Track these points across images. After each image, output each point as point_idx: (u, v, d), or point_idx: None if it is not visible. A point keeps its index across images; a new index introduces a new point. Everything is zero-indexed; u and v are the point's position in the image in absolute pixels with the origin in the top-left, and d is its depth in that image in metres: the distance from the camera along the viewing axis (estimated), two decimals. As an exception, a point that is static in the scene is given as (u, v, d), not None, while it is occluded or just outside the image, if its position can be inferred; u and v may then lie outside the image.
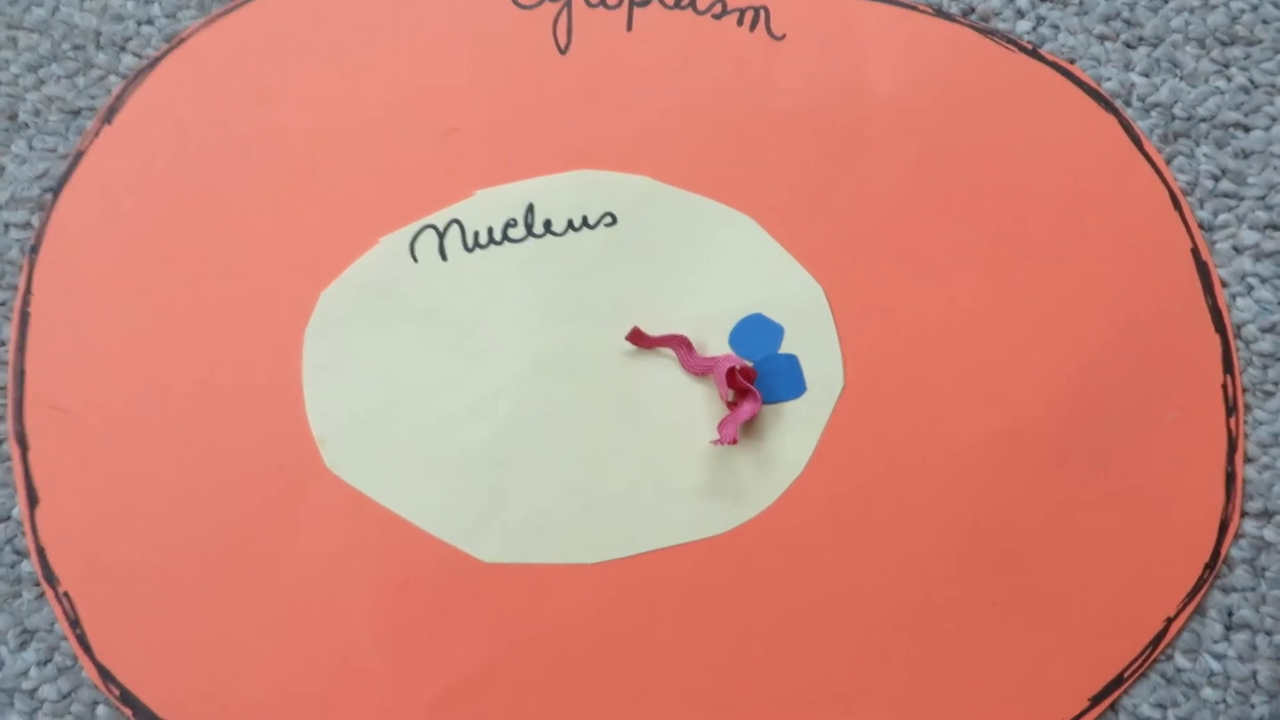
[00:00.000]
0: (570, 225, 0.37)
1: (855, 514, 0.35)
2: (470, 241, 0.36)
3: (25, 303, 0.35)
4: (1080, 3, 0.39)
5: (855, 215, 0.37)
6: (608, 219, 0.37)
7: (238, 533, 0.34)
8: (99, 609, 0.34)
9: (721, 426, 0.34)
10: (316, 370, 0.35)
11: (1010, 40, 0.38)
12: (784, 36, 0.38)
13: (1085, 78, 0.38)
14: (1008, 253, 0.37)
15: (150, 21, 0.38)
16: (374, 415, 0.35)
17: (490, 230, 0.36)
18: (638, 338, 0.35)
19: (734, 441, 0.34)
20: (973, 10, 0.39)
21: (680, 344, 0.35)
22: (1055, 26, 0.39)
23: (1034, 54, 0.38)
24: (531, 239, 0.36)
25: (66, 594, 0.34)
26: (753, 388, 0.35)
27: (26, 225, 0.36)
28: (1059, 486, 0.35)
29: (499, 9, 0.38)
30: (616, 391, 0.36)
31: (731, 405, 0.35)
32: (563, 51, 0.38)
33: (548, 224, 0.36)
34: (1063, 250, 0.37)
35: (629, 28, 0.38)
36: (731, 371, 0.34)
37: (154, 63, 0.37)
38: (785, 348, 0.36)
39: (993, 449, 0.35)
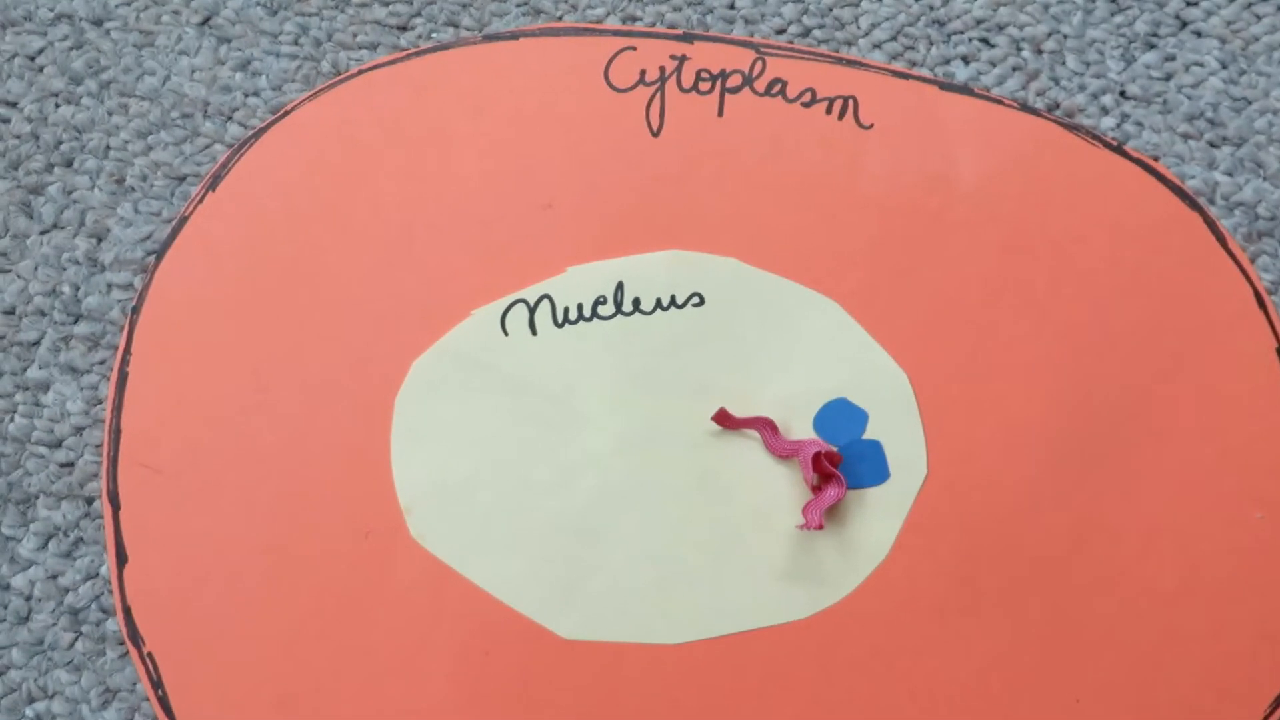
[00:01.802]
0: (659, 304, 0.37)
1: (938, 602, 0.35)
2: (560, 317, 0.37)
3: (124, 362, 0.36)
4: (1164, 101, 0.40)
5: (938, 302, 0.37)
6: (696, 299, 0.37)
7: (323, 599, 0.34)
8: (182, 671, 0.34)
9: (807, 511, 0.34)
10: (405, 438, 0.36)
11: (1095, 136, 0.39)
12: (872, 126, 0.39)
13: (1169, 175, 0.38)
14: (1090, 347, 0.37)
15: (256, 93, 0.39)
16: (459, 486, 0.35)
17: (580, 306, 0.37)
18: (723, 418, 0.35)
19: (820, 527, 0.34)
20: (1057, 106, 0.40)
21: (765, 426, 0.35)
22: (1139, 124, 0.40)
23: (1118, 150, 0.39)
24: (620, 316, 0.37)
25: (150, 655, 0.34)
26: (838, 473, 0.35)
27: (129, 286, 0.37)
28: (1146, 578, 0.35)
29: (595, 91, 0.39)
30: (700, 470, 0.36)
31: (816, 489, 0.35)
32: (655, 134, 0.39)
33: (637, 302, 0.37)
34: (1146, 346, 0.37)
35: (720, 113, 0.39)
36: (817, 456, 0.34)
37: (259, 133, 0.38)
38: (869, 433, 0.36)
39: (1076, 539, 0.35)
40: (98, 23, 0.40)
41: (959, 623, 0.35)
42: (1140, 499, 0.35)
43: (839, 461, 0.35)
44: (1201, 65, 0.40)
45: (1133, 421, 0.36)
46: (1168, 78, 0.40)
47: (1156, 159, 0.39)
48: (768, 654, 0.35)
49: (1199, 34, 0.40)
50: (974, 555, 0.35)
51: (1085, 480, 0.36)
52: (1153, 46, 0.40)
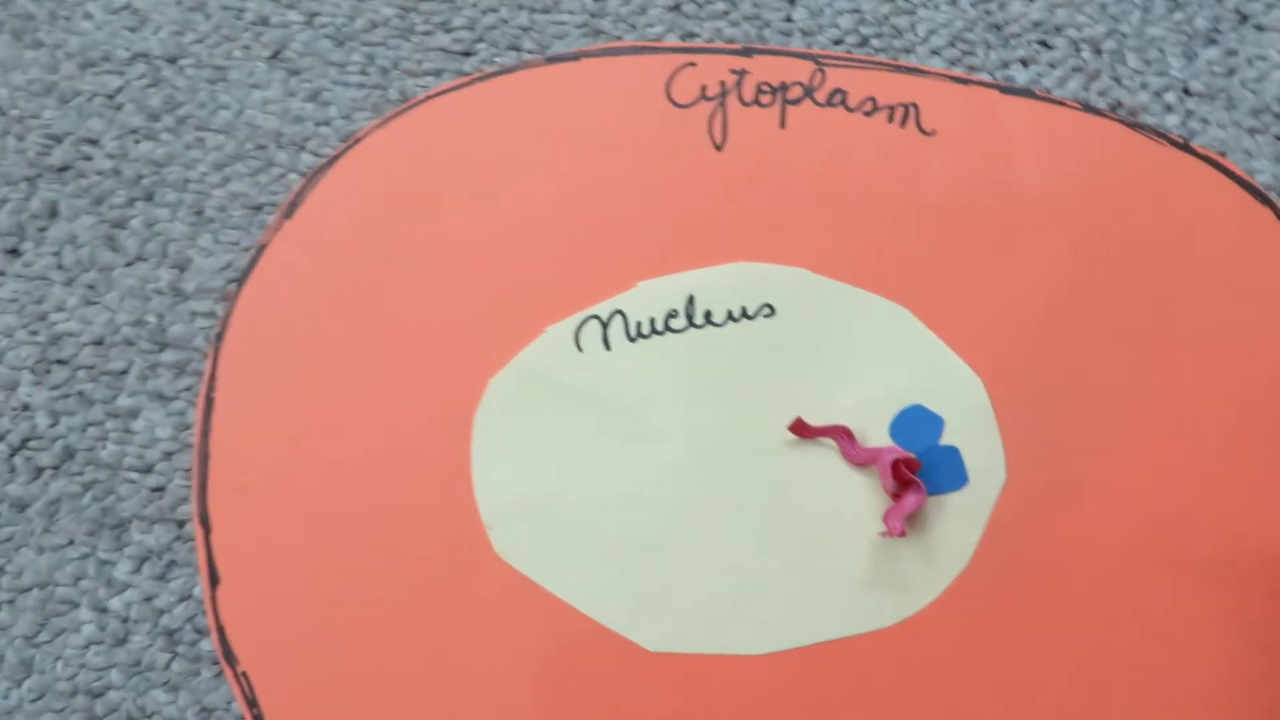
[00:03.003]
0: (730, 316, 0.37)
1: (1022, 607, 0.35)
2: (633, 331, 0.37)
3: (210, 388, 0.37)
4: (1228, 97, 0.40)
5: (1009, 306, 0.37)
6: (766, 310, 0.37)
7: (410, 615, 0.35)
8: (276, 688, 0.35)
9: (888, 518, 0.34)
10: (485, 456, 0.36)
11: (1160, 134, 0.39)
12: (934, 132, 0.39)
13: (1238, 170, 0.38)
14: (1162, 345, 0.37)
15: (328, 123, 0.40)
16: (540, 500, 0.36)
17: (652, 321, 0.37)
18: (800, 428, 0.36)
19: (902, 534, 0.34)
20: (1120, 105, 0.40)
21: (842, 435, 0.36)
22: (1204, 121, 0.40)
23: (1185, 148, 0.39)
24: (692, 329, 0.37)
25: (244, 673, 0.35)
26: (917, 479, 0.35)
27: (211, 314, 0.38)
28: (1230, 578, 0.34)
29: (657, 108, 0.40)
30: (777, 480, 0.36)
31: (896, 497, 0.35)
32: (719, 148, 0.39)
33: (708, 315, 0.37)
34: (1217, 342, 0.37)
35: (782, 125, 0.39)
36: (896, 463, 0.35)
37: (331, 161, 0.39)
38: (945, 439, 0.36)
39: (1158, 539, 0.35)
40: (172, 60, 0.41)
41: (1044, 628, 0.35)
42: (1225, 500, 0.35)
43: (918, 468, 0.35)
44: (1264, 59, 0.40)
45: (1206, 416, 0.36)
46: (1230, 73, 0.40)
47: (1223, 154, 0.39)
48: (853, 663, 0.35)
49: (1260, 28, 0.40)
50: (1057, 559, 0.35)
51: (1166, 480, 0.35)
52: (1214, 42, 0.40)
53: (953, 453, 0.36)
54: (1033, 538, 0.35)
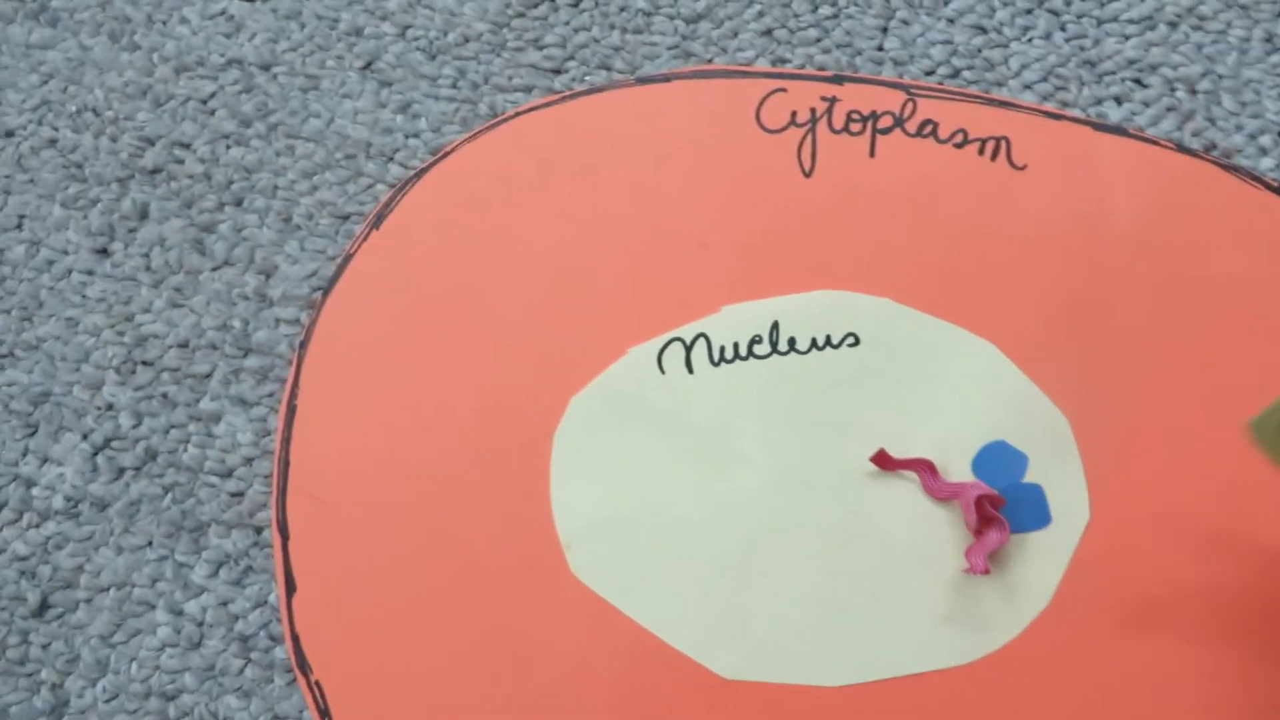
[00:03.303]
0: (814, 344, 0.37)
1: (1104, 649, 0.34)
2: (717, 356, 0.37)
3: (293, 395, 0.37)
4: (1324, 142, 0.39)
5: (1095, 344, 0.37)
6: (850, 339, 0.37)
7: (484, 632, 0.35)
8: (348, 699, 0.35)
9: (970, 555, 0.34)
10: (565, 474, 0.36)
11: (1254, 176, 0.38)
12: (1025, 167, 0.39)
13: (1334, 216, 0.38)
14: (1251, 389, 0.36)
15: (417, 135, 0.40)
16: (618, 522, 0.36)
17: (736, 346, 0.37)
18: (882, 460, 0.35)
19: (986, 571, 0.33)
20: (1214, 147, 0.39)
21: (924, 468, 0.35)
22: (1300, 165, 0.39)
23: (1278, 191, 0.38)
24: (776, 356, 0.37)
25: (318, 683, 0.35)
26: (1000, 516, 0.34)
27: (295, 321, 0.38)
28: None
29: (747, 132, 0.39)
30: (857, 510, 0.36)
31: (977, 533, 0.35)
32: (808, 175, 0.39)
33: (792, 342, 0.37)
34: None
35: (872, 154, 0.39)
36: (980, 499, 0.34)
37: (420, 173, 0.39)
38: (1029, 477, 0.36)
39: (1244, 584, 0.34)
40: (266, 67, 0.41)
41: (1124, 671, 0.34)
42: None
43: (1001, 505, 0.35)
44: (1365, 105, 0.40)
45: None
46: (1329, 118, 0.39)
47: (1319, 200, 0.39)
48: (929, 699, 0.34)
49: (1362, 74, 0.40)
50: (1140, 602, 0.35)
51: (1255, 522, 0.35)
52: (1313, 86, 0.40)
53: (1036, 491, 0.36)
54: (1115, 579, 0.35)
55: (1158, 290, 0.37)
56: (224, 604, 0.36)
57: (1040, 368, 0.37)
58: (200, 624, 0.36)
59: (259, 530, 0.36)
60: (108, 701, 0.35)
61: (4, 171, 0.40)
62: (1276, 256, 0.37)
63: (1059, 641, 0.34)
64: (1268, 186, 0.38)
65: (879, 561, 0.35)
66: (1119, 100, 0.40)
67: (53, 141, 0.41)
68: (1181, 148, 0.39)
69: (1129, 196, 0.38)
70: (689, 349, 0.37)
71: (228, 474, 0.37)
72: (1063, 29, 0.41)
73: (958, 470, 0.36)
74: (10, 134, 0.41)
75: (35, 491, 0.37)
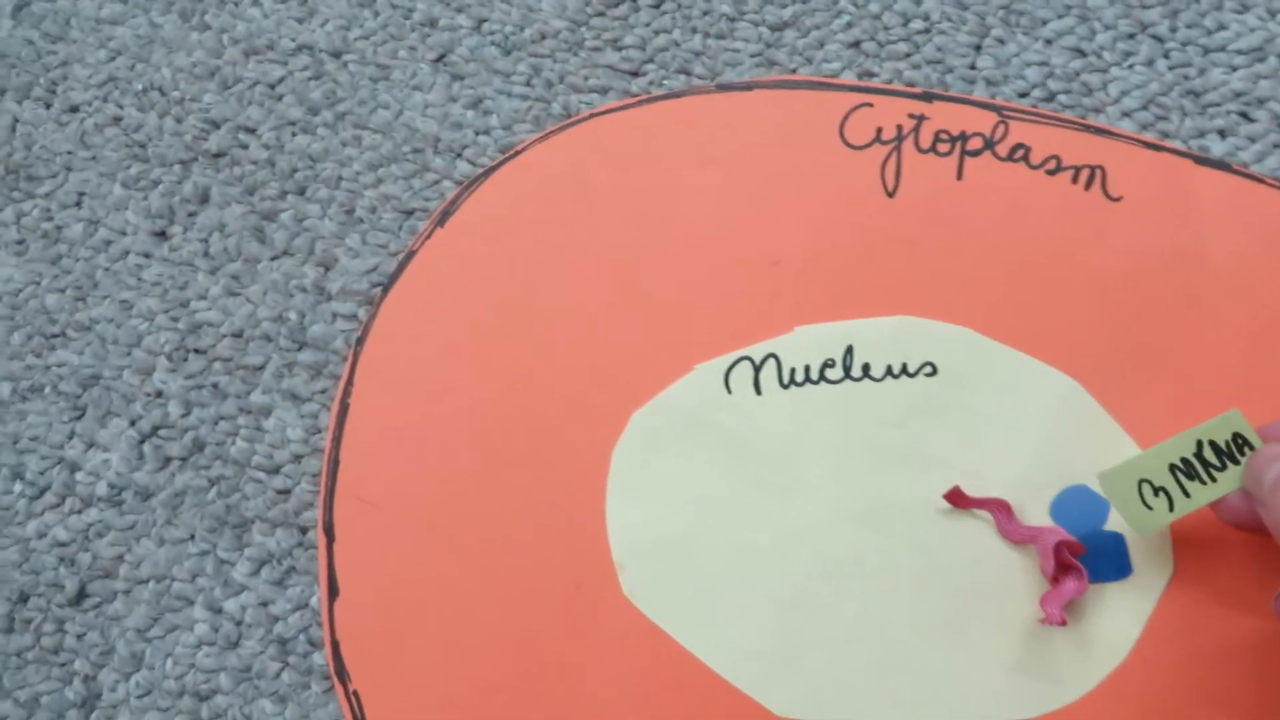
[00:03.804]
0: (889, 371, 0.36)
1: (1182, 710, 0.32)
2: (786, 378, 0.36)
3: (346, 394, 0.36)
4: None
5: (1187, 388, 0.35)
6: (928, 368, 0.35)
7: (529, 649, 0.33)
8: (386, 710, 0.33)
9: (1046, 604, 0.32)
10: (622, 491, 0.35)
11: (1363, 222, 0.36)
12: (1121, 198, 0.37)
13: None
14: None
15: (487, 132, 0.39)
16: (675, 545, 0.34)
17: (807, 369, 0.36)
18: (956, 498, 0.34)
19: (1063, 622, 0.32)
20: (1321, 188, 0.37)
21: (1000, 509, 0.34)
22: None
23: (1388, 240, 0.36)
24: (849, 381, 0.35)
25: (356, 692, 0.33)
26: (1079, 564, 0.33)
27: (353, 317, 0.37)
28: None
29: (829, 147, 0.38)
30: (926, 548, 0.34)
31: (1054, 581, 0.33)
32: (891, 194, 0.37)
33: (866, 368, 0.35)
34: None
35: (959, 176, 0.37)
36: (1059, 546, 0.32)
37: (489, 171, 0.38)
38: (1110, 525, 0.34)
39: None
40: (337, 55, 0.40)
41: (1202, 737, 0.32)
42: None
43: (1081, 553, 0.33)
44: None
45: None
46: None
47: None
48: (992, 751, 0.32)
49: None
50: (1223, 662, 0.33)
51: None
52: None
53: (1117, 540, 0.34)
54: (1197, 636, 0.33)
55: (1255, 335, 0.35)
56: (264, 604, 0.35)
57: (1127, 410, 0.35)
58: (239, 623, 0.35)
59: (304, 530, 0.35)
60: (140, 697, 0.34)
61: (66, 147, 0.39)
62: (1381, 308, 0.35)
63: (1134, 700, 0.33)
64: (1377, 233, 0.36)
65: (947, 604, 0.33)
66: (1223, 134, 0.38)
67: (117, 119, 0.40)
68: (1287, 187, 0.37)
69: (1229, 235, 0.36)
70: (758, 369, 0.36)
71: (275, 470, 0.36)
72: (1166, 56, 0.39)
73: (1034, 513, 0.34)
74: (75, 109, 0.40)
75: (79, 476, 0.36)
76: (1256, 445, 0.30)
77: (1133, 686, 0.33)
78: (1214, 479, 0.30)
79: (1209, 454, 0.30)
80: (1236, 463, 0.30)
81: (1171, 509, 0.31)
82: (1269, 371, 0.35)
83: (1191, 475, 0.31)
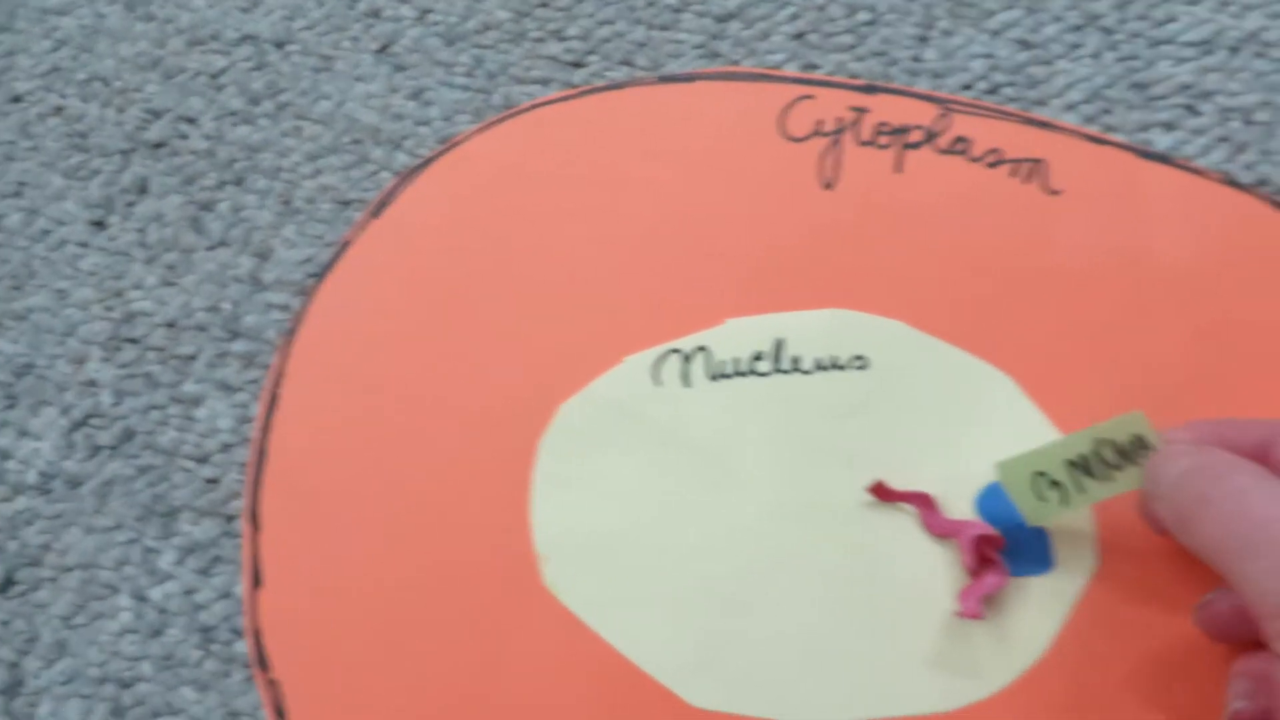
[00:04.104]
0: (819, 364, 0.35)
1: (1100, 706, 0.32)
2: (716, 370, 0.35)
3: (276, 384, 0.36)
4: (1386, 183, 0.36)
5: (1124, 385, 0.35)
6: (858, 362, 0.35)
7: (452, 640, 0.33)
8: (306, 701, 0.34)
9: (964, 598, 0.32)
10: (547, 484, 0.35)
11: (1308, 217, 0.36)
12: (1061, 192, 0.37)
13: (1392, 264, 0.35)
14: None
15: (427, 123, 0.39)
16: (598, 538, 0.34)
17: (737, 361, 0.35)
18: (880, 491, 0.33)
19: (979, 616, 0.31)
20: (1266, 182, 0.37)
21: (923, 503, 0.33)
22: (1359, 207, 0.36)
23: (1334, 234, 0.35)
24: (778, 374, 0.35)
25: (275, 681, 0.33)
26: (999, 559, 0.32)
27: (286, 307, 0.37)
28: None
29: (768, 139, 0.38)
30: (852, 543, 0.34)
31: (975, 574, 0.32)
32: (828, 187, 0.37)
33: (796, 361, 0.35)
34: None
35: (898, 169, 0.37)
36: (978, 540, 0.32)
37: (426, 162, 0.38)
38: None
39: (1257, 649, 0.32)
40: (280, 45, 0.40)
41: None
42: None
43: (1001, 547, 0.33)
44: None
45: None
46: (1395, 158, 0.37)
47: (1377, 245, 0.36)
48: (909, 747, 0.32)
49: None
50: (1145, 659, 0.32)
51: None
52: (1380, 123, 0.37)
53: (1040, 534, 0.33)
54: (1120, 633, 0.33)
55: (1197, 332, 0.35)
56: (189, 593, 0.35)
57: (1059, 406, 0.34)
58: (163, 611, 0.35)
59: (230, 520, 0.35)
60: (63, 684, 0.34)
61: (8, 137, 0.40)
62: (1326, 303, 0.35)
63: (1051, 695, 0.32)
64: (1322, 227, 0.36)
65: (869, 598, 0.33)
66: (1168, 127, 0.37)
67: (59, 109, 0.40)
68: (1231, 181, 0.36)
69: (1171, 230, 0.36)
70: (687, 361, 0.35)
71: (204, 460, 0.36)
72: (1113, 48, 0.38)
73: (961, 508, 0.34)
74: (18, 99, 0.40)
75: (10, 465, 0.36)
76: (1155, 448, 0.30)
77: (1051, 681, 0.32)
78: (1111, 478, 0.30)
79: (1108, 453, 0.30)
80: (1135, 463, 0.30)
81: (1065, 503, 0.30)
82: (1209, 367, 0.34)
83: (1089, 472, 0.30)
